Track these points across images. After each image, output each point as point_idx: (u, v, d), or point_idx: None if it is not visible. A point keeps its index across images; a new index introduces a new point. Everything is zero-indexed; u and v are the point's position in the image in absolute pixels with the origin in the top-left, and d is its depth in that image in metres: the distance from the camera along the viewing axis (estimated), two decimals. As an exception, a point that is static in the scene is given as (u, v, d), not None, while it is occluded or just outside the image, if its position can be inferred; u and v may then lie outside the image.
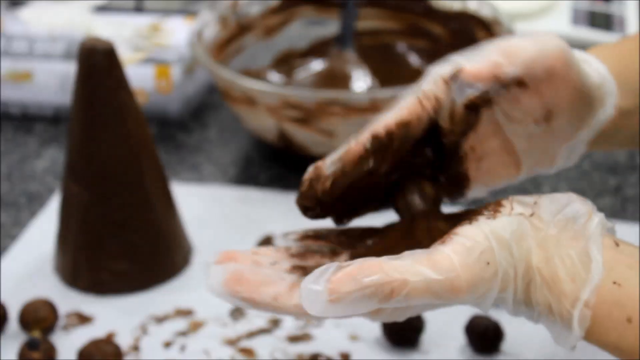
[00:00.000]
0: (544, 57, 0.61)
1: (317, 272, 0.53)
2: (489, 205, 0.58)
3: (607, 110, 0.65)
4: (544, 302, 0.56)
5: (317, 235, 0.63)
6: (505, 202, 0.58)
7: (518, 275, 0.56)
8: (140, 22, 1.19)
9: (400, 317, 0.57)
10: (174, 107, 1.11)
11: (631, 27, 1.28)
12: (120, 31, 1.16)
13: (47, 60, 1.12)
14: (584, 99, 0.63)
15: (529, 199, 0.58)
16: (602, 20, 1.28)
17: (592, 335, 0.55)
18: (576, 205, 0.57)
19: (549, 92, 0.61)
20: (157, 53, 1.11)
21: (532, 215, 0.57)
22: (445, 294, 0.54)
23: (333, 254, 0.62)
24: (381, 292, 0.53)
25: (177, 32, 1.15)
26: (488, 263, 0.55)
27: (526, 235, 0.56)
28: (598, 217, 0.57)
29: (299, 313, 0.55)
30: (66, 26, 1.16)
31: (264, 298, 0.56)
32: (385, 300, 0.53)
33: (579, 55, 0.65)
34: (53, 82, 1.12)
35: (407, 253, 0.55)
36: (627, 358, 0.55)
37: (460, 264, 0.54)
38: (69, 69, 1.10)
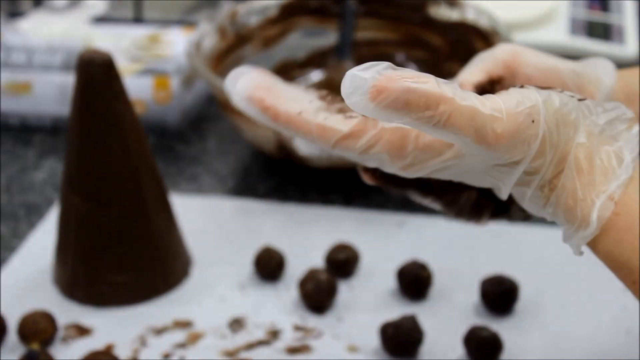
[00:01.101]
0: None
1: (367, 64, 0.51)
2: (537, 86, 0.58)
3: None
4: (571, 187, 0.55)
5: None
6: (554, 87, 0.58)
7: (557, 152, 0.56)
8: (138, 33, 1.19)
9: (416, 169, 0.57)
10: (173, 117, 1.11)
11: (630, 37, 1.28)
12: (119, 42, 1.16)
13: (46, 72, 1.12)
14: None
15: (577, 94, 0.58)
16: (600, 30, 1.28)
17: (602, 240, 0.55)
18: (621, 109, 0.58)
19: None
20: (155, 64, 1.11)
21: (581, 100, 0.57)
22: (484, 135, 0.53)
23: None
24: (426, 102, 0.51)
25: (176, 43, 1.15)
26: (533, 121, 0.54)
27: (574, 114, 0.56)
28: (637, 127, 0.57)
29: (319, 135, 0.55)
30: (65, 37, 1.17)
31: (288, 109, 0.55)
32: (426, 112, 0.51)
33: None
34: (52, 93, 1.12)
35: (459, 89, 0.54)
36: (631, 278, 0.55)
37: (507, 111, 0.54)
38: (68, 80, 1.10)
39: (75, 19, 1.24)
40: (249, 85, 0.56)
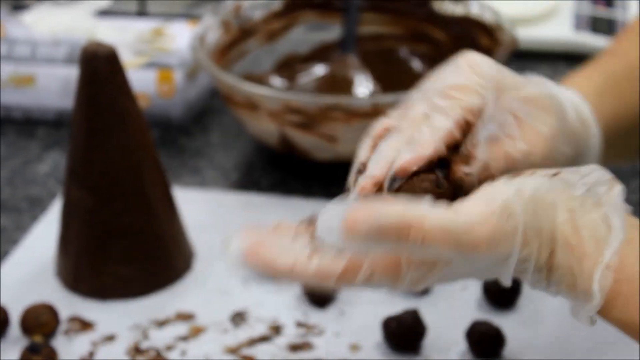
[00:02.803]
0: None
1: (334, 201, 0.54)
2: (508, 174, 0.58)
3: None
4: (567, 264, 0.55)
5: None
6: (525, 170, 0.58)
7: (542, 237, 0.55)
8: (142, 26, 1.19)
9: (420, 284, 0.56)
10: (177, 111, 1.11)
11: (634, 33, 1.28)
12: (123, 35, 1.16)
13: (50, 65, 1.12)
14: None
15: (550, 170, 0.58)
16: (604, 26, 1.28)
17: (610, 309, 0.55)
18: (598, 173, 0.57)
19: None
20: (159, 57, 1.11)
21: (555, 175, 0.57)
22: (463, 245, 0.53)
23: None
24: (396, 229, 0.52)
25: (180, 37, 1.15)
26: (509, 215, 0.54)
27: (550, 194, 0.56)
28: (618, 187, 0.57)
29: (318, 281, 0.55)
30: (68, 30, 1.17)
31: (284, 266, 0.55)
32: (401, 239, 0.52)
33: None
34: (55, 87, 1.12)
35: (428, 204, 0.54)
36: None
37: (480, 213, 0.54)
38: (72, 73, 1.10)
39: (79, 12, 1.24)
40: (243, 246, 0.56)
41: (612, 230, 0.55)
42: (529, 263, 0.56)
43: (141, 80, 1.07)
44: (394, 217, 0.52)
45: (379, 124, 0.65)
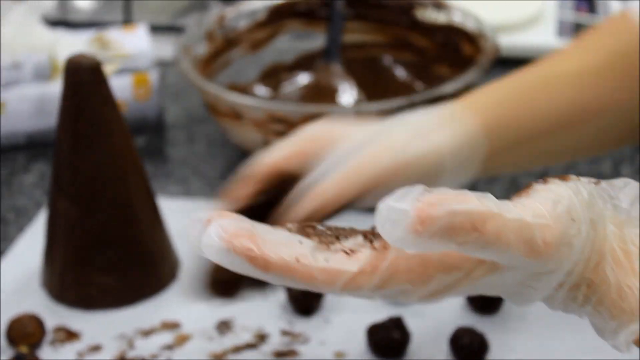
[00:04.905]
0: None
1: (400, 192, 0.46)
2: (551, 177, 0.53)
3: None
4: (613, 281, 0.51)
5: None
6: (570, 175, 0.53)
7: (594, 247, 0.51)
8: (83, 37, 1.17)
9: (439, 295, 0.50)
10: (152, 112, 1.11)
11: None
12: (81, 47, 1.13)
13: (17, 87, 1.09)
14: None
15: (592, 179, 0.54)
16: (587, 32, 1.28)
17: None
18: (634, 186, 0.53)
19: None
20: (126, 63, 1.11)
21: (597, 183, 0.53)
22: (535, 245, 0.48)
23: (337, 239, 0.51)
24: (472, 223, 0.46)
25: (127, 42, 1.14)
26: (573, 220, 0.49)
27: (600, 204, 0.52)
28: None
29: (324, 280, 0.48)
30: (29, 50, 1.13)
31: (282, 257, 0.47)
32: (473, 233, 0.46)
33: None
34: (27, 109, 1.10)
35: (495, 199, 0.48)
36: None
37: (549, 214, 0.49)
38: (43, 91, 1.09)
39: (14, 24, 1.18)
40: (225, 234, 0.47)
41: None
42: (572, 277, 0.51)
43: (118, 87, 1.06)
44: (469, 211, 0.46)
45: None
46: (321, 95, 1.11)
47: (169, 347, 0.81)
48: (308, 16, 1.15)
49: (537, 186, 0.51)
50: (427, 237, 0.45)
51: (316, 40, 1.15)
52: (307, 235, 0.50)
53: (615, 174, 1.03)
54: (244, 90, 1.09)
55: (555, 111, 0.77)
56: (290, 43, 1.16)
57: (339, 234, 0.50)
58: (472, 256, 0.49)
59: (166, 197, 0.99)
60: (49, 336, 0.82)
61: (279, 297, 0.85)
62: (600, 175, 1.04)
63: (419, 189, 0.46)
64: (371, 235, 0.50)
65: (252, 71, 1.14)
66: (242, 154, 1.07)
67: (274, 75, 1.14)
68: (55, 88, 1.07)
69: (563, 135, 0.78)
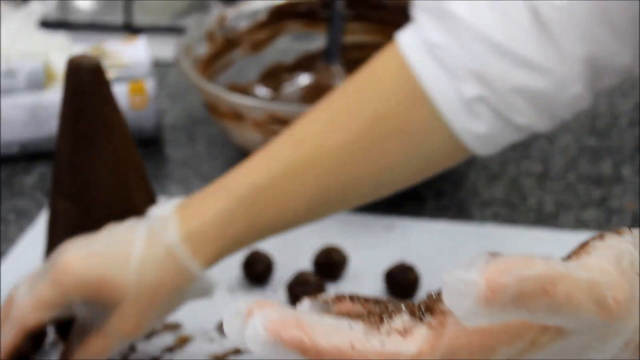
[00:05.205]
0: None
1: (465, 261, 0.43)
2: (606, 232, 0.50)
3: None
4: None
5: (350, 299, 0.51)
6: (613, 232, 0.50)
7: None
8: (83, 46, 1.16)
9: None
10: (149, 122, 1.10)
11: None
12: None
13: (11, 96, 1.08)
14: None
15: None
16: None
17: None
18: None
19: None
20: (123, 72, 1.10)
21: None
22: (606, 306, 0.45)
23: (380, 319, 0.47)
24: (542, 287, 0.43)
25: (126, 53, 1.12)
26: (637, 274, 0.47)
27: None
28: None
29: None
30: (22, 58, 1.12)
31: (337, 345, 0.44)
32: (547, 298, 0.43)
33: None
34: (21, 117, 1.08)
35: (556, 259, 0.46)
36: None
37: (615, 270, 0.46)
38: (37, 100, 1.08)
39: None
40: (271, 325, 0.44)
41: None
42: (638, 334, 0.48)
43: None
44: (539, 275, 0.43)
45: None
46: (322, 96, 1.10)
47: (170, 349, 0.81)
48: (308, 17, 1.15)
49: (595, 243, 0.48)
50: (498, 307, 0.43)
51: (316, 41, 1.15)
52: (354, 315, 0.48)
53: (616, 174, 1.03)
54: (245, 90, 1.09)
55: (296, 208, 0.78)
56: (290, 44, 1.16)
57: (382, 312, 0.47)
58: (535, 324, 0.46)
59: (166, 197, 0.99)
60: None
61: (280, 298, 0.85)
62: (600, 175, 1.04)
63: (484, 256, 0.44)
64: (419, 312, 0.47)
65: (252, 72, 1.14)
66: (243, 154, 1.07)
67: (274, 76, 1.14)
68: (49, 97, 1.07)
69: (320, 213, 0.80)
